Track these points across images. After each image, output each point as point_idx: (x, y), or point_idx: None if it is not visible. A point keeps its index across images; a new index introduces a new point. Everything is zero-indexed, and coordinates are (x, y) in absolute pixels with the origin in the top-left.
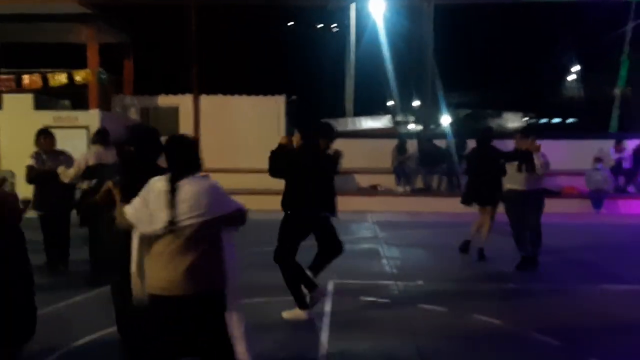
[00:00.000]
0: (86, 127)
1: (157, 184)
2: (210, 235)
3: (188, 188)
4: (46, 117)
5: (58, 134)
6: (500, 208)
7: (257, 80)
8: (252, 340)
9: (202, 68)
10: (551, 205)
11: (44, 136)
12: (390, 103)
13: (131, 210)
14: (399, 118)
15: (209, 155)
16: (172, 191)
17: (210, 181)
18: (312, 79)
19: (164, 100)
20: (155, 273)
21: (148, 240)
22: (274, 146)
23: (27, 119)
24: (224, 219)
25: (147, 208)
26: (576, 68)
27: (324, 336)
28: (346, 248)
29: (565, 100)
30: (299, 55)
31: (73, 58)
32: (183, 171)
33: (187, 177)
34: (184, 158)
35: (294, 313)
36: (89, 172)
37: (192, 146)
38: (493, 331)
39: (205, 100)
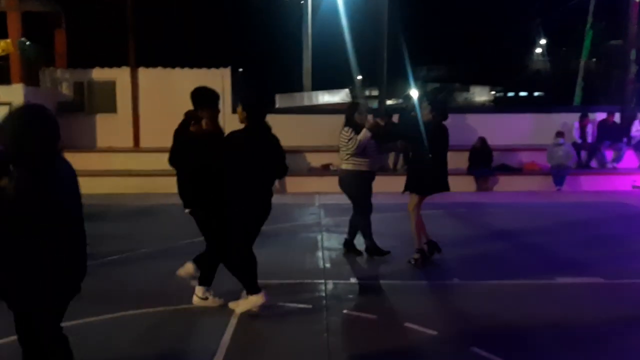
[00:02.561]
0: (9, 104)
1: None
2: None
3: None
4: None
5: None
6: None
7: (203, 52)
8: None
9: (140, 39)
10: (511, 183)
11: None
12: (358, 77)
13: None
14: (362, 92)
15: (148, 133)
16: None
17: None
18: (268, 52)
19: (100, 74)
20: None
21: None
22: (220, 122)
23: None
24: None
25: None
26: (543, 41)
27: (220, 355)
28: (282, 238)
29: (532, 74)
30: (253, 27)
31: None
32: None
33: None
34: None
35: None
36: None
37: None
38: (427, 345)
39: (143, 73)
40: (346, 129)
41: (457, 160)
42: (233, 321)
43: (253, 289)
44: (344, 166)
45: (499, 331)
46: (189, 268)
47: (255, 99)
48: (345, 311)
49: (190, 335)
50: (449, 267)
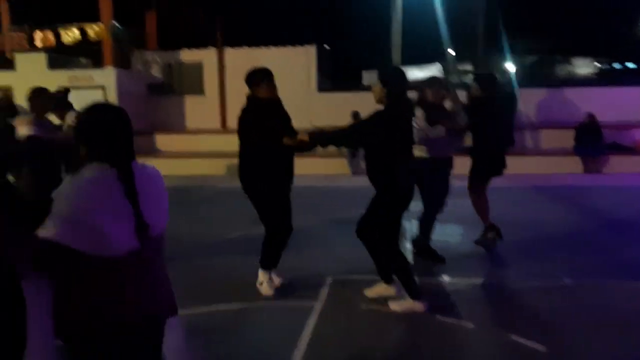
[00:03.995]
0: (102, 87)
1: (103, 180)
2: None
3: (150, 181)
4: (61, 77)
5: (74, 94)
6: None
7: (289, 30)
8: None
9: (227, 18)
10: (624, 164)
11: (44, 98)
12: (450, 51)
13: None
14: (455, 67)
15: (235, 114)
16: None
17: (156, 170)
18: (355, 27)
19: (188, 55)
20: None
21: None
22: (304, 101)
23: (41, 79)
24: None
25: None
26: None
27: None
28: None
29: None
30: (340, 1)
31: (87, 11)
32: (131, 157)
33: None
34: (128, 137)
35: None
36: None
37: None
38: None
39: (230, 53)
40: (419, 113)
41: (561, 138)
42: (310, 324)
43: (410, 290)
44: (415, 153)
45: (626, 349)
46: (379, 289)
47: (396, 74)
48: (436, 316)
49: (261, 336)
50: (556, 262)
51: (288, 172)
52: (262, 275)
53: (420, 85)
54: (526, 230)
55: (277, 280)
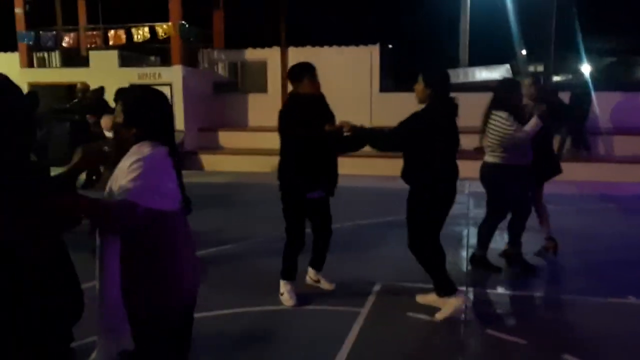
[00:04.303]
0: (169, 84)
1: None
2: None
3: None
4: (131, 74)
5: None
6: None
7: (352, 29)
8: None
9: (291, 18)
10: None
11: None
12: (522, 52)
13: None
14: (525, 68)
15: None
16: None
17: None
18: (421, 25)
19: (252, 54)
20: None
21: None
22: (366, 102)
23: (112, 76)
24: None
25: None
26: None
27: None
28: None
29: None
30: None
31: (157, 11)
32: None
33: None
34: (172, 117)
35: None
36: None
37: None
38: None
39: (293, 53)
40: (505, 115)
41: (635, 145)
42: (355, 329)
43: (446, 289)
44: (490, 159)
45: None
46: (431, 299)
47: (441, 75)
48: (488, 330)
49: (304, 340)
50: (621, 278)
51: (332, 172)
52: (282, 286)
53: (501, 87)
54: (590, 242)
55: (326, 285)
